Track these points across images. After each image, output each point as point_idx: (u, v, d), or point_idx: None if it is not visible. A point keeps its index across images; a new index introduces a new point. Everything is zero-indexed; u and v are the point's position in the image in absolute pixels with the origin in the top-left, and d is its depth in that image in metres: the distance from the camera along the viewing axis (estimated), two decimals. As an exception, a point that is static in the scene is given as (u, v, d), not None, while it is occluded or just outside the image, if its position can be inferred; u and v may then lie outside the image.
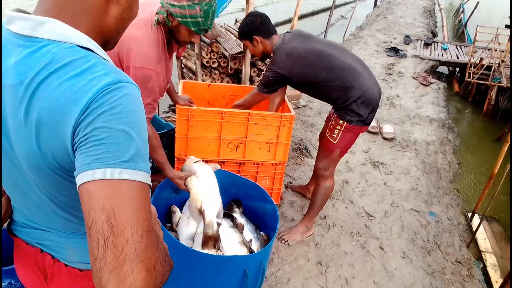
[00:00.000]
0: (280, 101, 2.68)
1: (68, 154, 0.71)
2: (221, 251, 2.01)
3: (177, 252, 1.71)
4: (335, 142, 2.44)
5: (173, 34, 1.81)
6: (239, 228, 2.18)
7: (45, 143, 0.72)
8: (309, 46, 2.35)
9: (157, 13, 1.73)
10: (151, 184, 0.72)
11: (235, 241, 2.08)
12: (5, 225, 1.02)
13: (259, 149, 2.63)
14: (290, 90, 4.99)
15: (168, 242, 1.71)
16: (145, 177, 0.70)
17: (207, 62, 3.65)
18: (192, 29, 1.74)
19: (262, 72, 2.46)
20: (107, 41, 0.86)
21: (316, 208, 2.65)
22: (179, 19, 1.72)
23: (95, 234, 0.64)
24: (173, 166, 2.66)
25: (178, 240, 2.04)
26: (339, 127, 2.40)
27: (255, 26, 2.38)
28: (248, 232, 2.21)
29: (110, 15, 0.81)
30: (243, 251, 2.02)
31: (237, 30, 4.36)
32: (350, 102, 2.32)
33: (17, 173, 0.82)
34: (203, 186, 1.83)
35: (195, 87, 2.95)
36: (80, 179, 0.67)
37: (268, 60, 2.54)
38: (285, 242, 2.68)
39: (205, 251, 1.68)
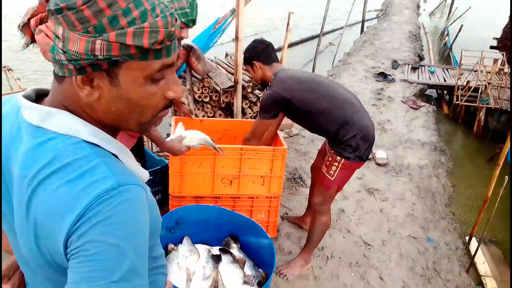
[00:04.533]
0: (273, 131, 2.62)
1: (65, 260, 0.68)
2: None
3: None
4: (332, 179, 2.41)
5: None
6: (240, 263, 2.15)
7: (43, 244, 0.69)
8: (310, 74, 2.49)
9: None
10: None
11: (237, 278, 2.06)
12: None
13: (253, 183, 2.63)
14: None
15: None
16: None
17: (199, 96, 3.70)
18: (182, 20, 1.97)
19: (260, 98, 2.51)
20: (115, 128, 0.80)
21: (313, 243, 2.63)
22: None
23: None
24: (167, 203, 2.66)
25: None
26: (336, 163, 2.37)
27: (255, 52, 2.45)
28: (247, 269, 2.18)
29: (96, 108, 0.74)
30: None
31: (228, 64, 4.45)
32: (349, 137, 2.29)
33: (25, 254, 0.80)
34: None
35: (187, 123, 2.96)
36: None
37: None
38: (283, 276, 2.64)
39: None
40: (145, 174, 0.85)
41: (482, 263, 3.46)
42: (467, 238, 3.67)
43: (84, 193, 0.65)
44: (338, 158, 2.36)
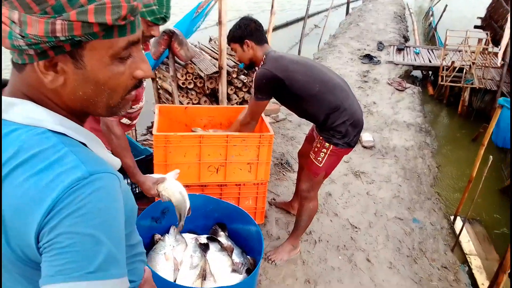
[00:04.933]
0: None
1: (37, 254, 0.65)
2: (209, 279, 1.98)
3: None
4: (320, 165, 2.39)
5: None
6: (228, 251, 2.15)
7: (13, 240, 0.66)
8: (300, 57, 2.41)
9: None
10: (128, 284, 0.68)
11: (225, 266, 2.06)
12: None
13: (240, 170, 2.61)
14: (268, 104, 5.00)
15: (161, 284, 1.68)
16: (116, 284, 0.65)
17: (183, 83, 3.64)
18: (149, 18, 1.75)
19: (253, 78, 2.33)
20: (83, 113, 0.76)
21: (301, 228, 2.64)
22: None
23: None
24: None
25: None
26: (325, 150, 2.35)
27: (248, 29, 2.30)
28: (235, 256, 2.18)
29: (61, 94, 0.70)
30: (235, 278, 1.99)
31: (212, 49, 4.37)
32: (339, 123, 2.27)
33: None
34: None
35: (171, 111, 2.92)
36: None
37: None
38: (271, 262, 2.65)
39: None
40: (116, 162, 0.83)
41: (467, 241, 3.53)
42: (452, 217, 3.74)
43: (53, 184, 0.62)
44: (327, 144, 2.34)
